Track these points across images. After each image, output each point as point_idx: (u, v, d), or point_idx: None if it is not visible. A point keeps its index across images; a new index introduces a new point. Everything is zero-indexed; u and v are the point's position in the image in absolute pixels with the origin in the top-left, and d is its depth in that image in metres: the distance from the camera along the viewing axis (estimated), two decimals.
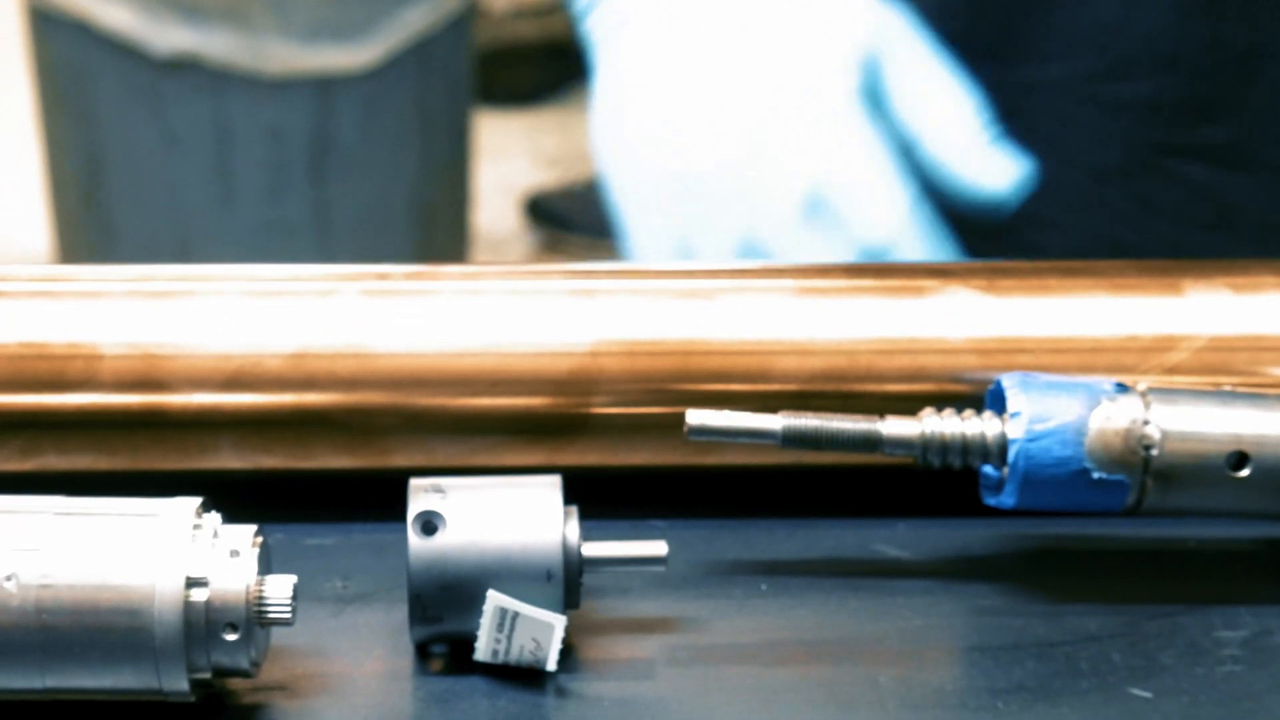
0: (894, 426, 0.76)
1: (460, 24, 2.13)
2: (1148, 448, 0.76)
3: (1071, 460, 0.76)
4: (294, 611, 0.69)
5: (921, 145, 0.95)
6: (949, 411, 0.77)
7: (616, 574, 0.75)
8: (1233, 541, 0.83)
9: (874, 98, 0.97)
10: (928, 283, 0.83)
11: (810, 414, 0.76)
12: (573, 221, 3.17)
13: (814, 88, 0.95)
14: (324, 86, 2.02)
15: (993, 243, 1.09)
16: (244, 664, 0.69)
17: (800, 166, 0.94)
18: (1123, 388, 0.77)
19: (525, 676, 0.73)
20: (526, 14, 3.51)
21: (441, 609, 0.72)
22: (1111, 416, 0.76)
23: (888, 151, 0.94)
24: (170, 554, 0.68)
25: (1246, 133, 1.05)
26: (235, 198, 2.05)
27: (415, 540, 0.72)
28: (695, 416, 0.76)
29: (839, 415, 0.76)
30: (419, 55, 2.07)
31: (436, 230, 2.20)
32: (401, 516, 0.72)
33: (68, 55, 2.03)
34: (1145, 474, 0.76)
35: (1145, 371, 0.82)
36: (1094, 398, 0.76)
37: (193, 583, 0.68)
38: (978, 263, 0.85)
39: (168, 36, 1.97)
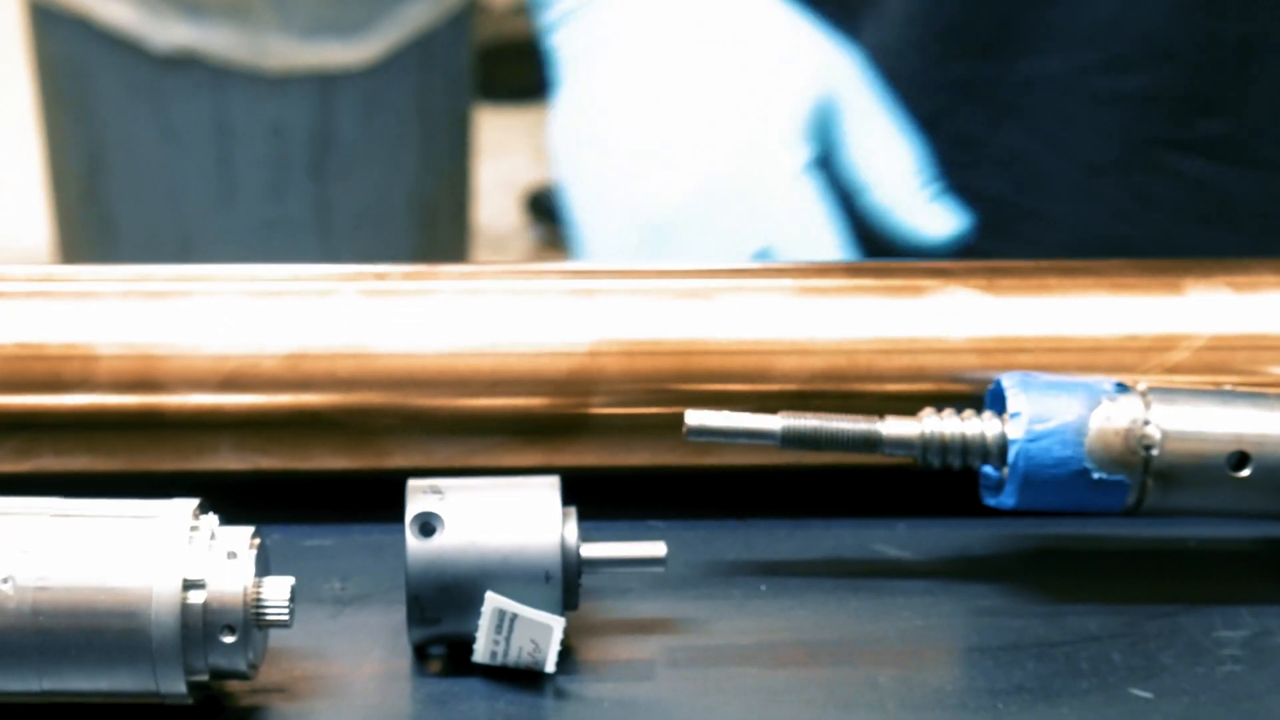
0: (893, 427, 0.76)
1: (461, 20, 2.12)
2: (1148, 448, 0.76)
3: (1071, 460, 0.75)
4: (292, 613, 0.69)
5: (868, 193, 0.99)
6: (949, 412, 0.77)
7: (615, 575, 0.75)
8: (1233, 541, 0.83)
9: (826, 143, 0.99)
10: (927, 282, 0.83)
11: (810, 414, 0.76)
12: None
13: (764, 140, 0.97)
14: (324, 83, 2.02)
15: (989, 238, 1.10)
16: (242, 666, 0.69)
17: (748, 219, 0.96)
18: (1123, 388, 0.77)
19: (524, 678, 0.72)
20: (527, 10, 3.50)
21: (440, 610, 0.72)
22: (1111, 416, 0.76)
23: (830, 210, 0.97)
24: (167, 556, 0.68)
25: (1243, 127, 1.05)
26: (236, 194, 2.04)
27: (413, 542, 0.72)
28: (694, 417, 0.75)
29: (838, 415, 0.76)
30: (420, 52, 2.07)
31: (437, 227, 2.19)
32: (400, 517, 0.72)
33: (68, 51, 2.03)
34: (1145, 474, 0.76)
35: (1145, 371, 0.82)
36: (1094, 398, 0.76)
37: (190, 585, 0.68)
38: (977, 262, 0.85)
39: (168, 32, 1.97)
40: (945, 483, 0.80)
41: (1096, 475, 0.75)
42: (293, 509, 0.82)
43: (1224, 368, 0.82)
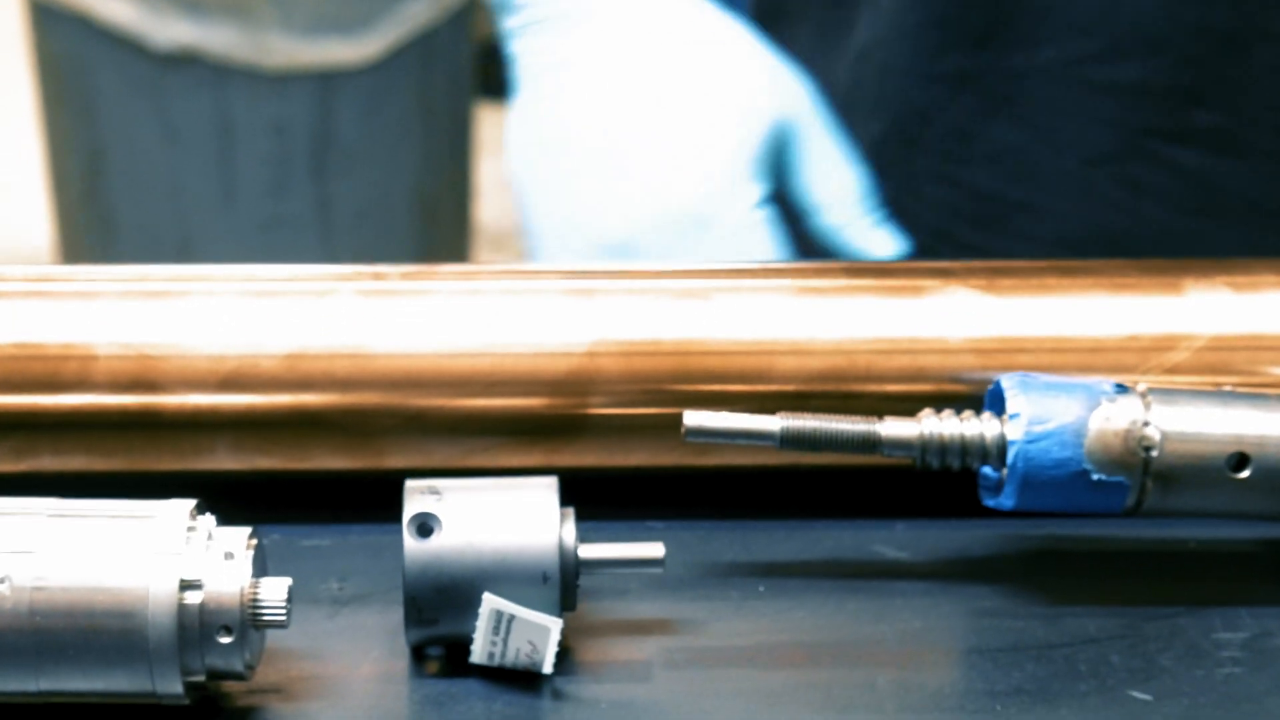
0: (892, 428, 0.76)
1: (462, 17, 2.12)
2: (1147, 449, 0.75)
3: (1071, 461, 0.75)
4: (289, 614, 0.69)
5: (818, 215, 1.02)
6: (948, 412, 0.77)
7: (613, 576, 0.75)
8: (1233, 543, 0.83)
9: (779, 168, 1.02)
10: (927, 282, 0.83)
11: (808, 415, 0.76)
12: None
13: (719, 171, 0.99)
14: (326, 81, 2.02)
15: (982, 231, 1.09)
16: (238, 666, 0.69)
17: (698, 250, 0.98)
18: (1122, 388, 0.76)
19: (521, 679, 0.72)
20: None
21: (437, 611, 0.72)
22: (1111, 417, 0.75)
23: (781, 245, 1.00)
24: (164, 556, 0.68)
25: (1237, 117, 1.05)
26: (236, 193, 2.04)
27: (411, 542, 0.72)
28: (693, 418, 0.75)
29: (837, 416, 0.76)
30: (421, 49, 2.07)
31: (438, 225, 2.19)
32: (398, 517, 0.72)
33: (68, 50, 2.03)
34: (1145, 475, 0.76)
35: (1145, 371, 0.82)
36: (1093, 398, 0.76)
37: (187, 585, 0.68)
38: (977, 262, 0.85)
39: (169, 30, 1.97)
40: (944, 484, 0.80)
41: (1096, 476, 0.75)
42: (290, 509, 0.81)
43: (1224, 368, 0.82)
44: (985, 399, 0.79)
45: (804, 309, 0.82)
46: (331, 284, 0.82)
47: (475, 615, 0.71)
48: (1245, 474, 0.76)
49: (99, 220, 2.09)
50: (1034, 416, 0.75)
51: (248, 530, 0.70)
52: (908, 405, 0.78)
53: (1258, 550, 0.83)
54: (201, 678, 0.69)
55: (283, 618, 0.69)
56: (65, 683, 0.68)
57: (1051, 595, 0.79)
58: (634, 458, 0.82)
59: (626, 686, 0.73)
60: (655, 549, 0.74)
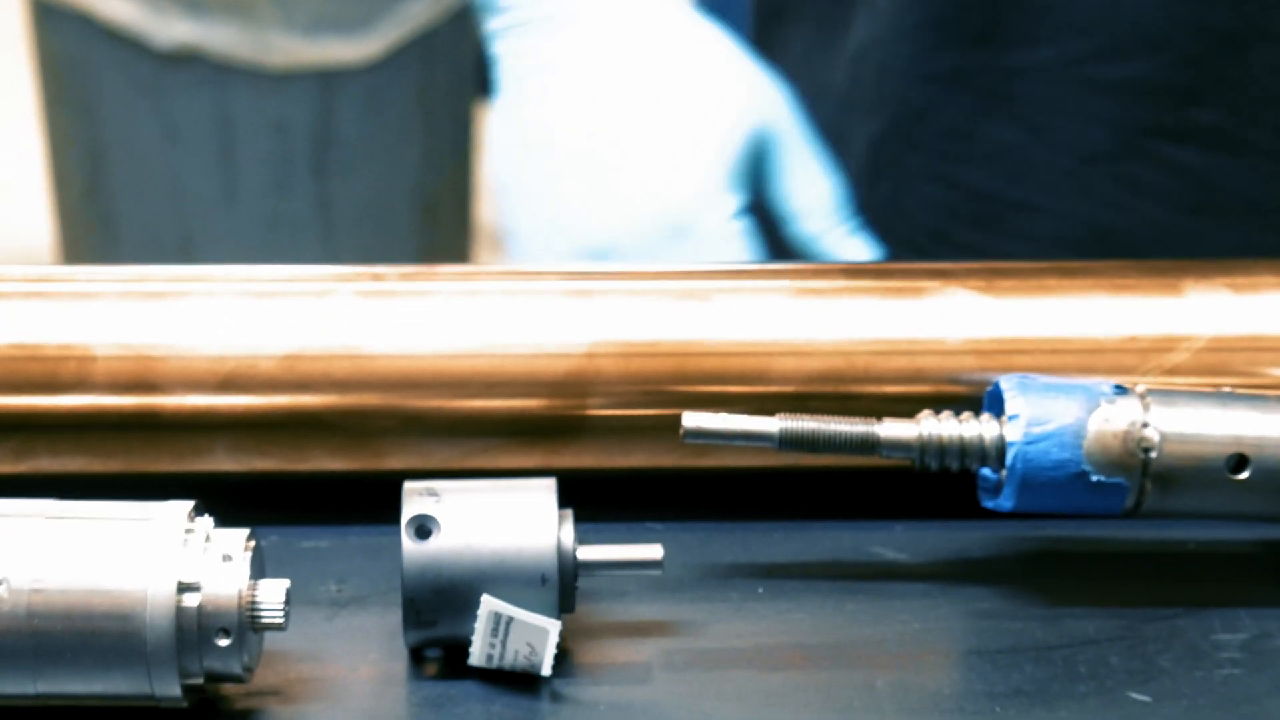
0: (891, 429, 0.76)
1: (463, 16, 2.12)
2: (1146, 450, 0.75)
3: (1070, 463, 0.75)
4: (287, 616, 0.69)
5: (794, 222, 1.04)
6: (947, 414, 0.77)
7: (612, 578, 0.75)
8: (1232, 544, 0.83)
9: (757, 177, 1.03)
10: (926, 283, 0.83)
11: (807, 416, 0.76)
12: None
13: (697, 181, 1.01)
14: (327, 80, 2.01)
15: (979, 230, 1.09)
16: (237, 669, 0.69)
17: (674, 252, 0.99)
18: (1121, 389, 0.76)
19: (520, 681, 0.72)
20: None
21: (436, 613, 0.72)
22: (1110, 419, 0.75)
23: (757, 255, 1.01)
24: (162, 559, 0.68)
25: (1235, 116, 1.05)
26: (238, 191, 2.04)
27: (409, 544, 0.72)
28: (691, 419, 0.75)
29: (836, 418, 0.76)
30: (422, 48, 2.07)
31: (439, 224, 2.19)
32: (396, 519, 0.72)
33: (69, 48, 2.03)
34: (1144, 476, 0.76)
35: (1145, 372, 0.82)
36: (1092, 400, 0.76)
37: (185, 587, 0.68)
38: (976, 263, 0.85)
39: (170, 29, 1.97)
40: (943, 485, 0.80)
41: (1095, 478, 0.75)
42: (289, 510, 0.81)
43: (1223, 369, 0.82)
44: (984, 400, 0.79)
45: (803, 310, 0.82)
46: (330, 285, 0.82)
47: (474, 617, 0.71)
48: (1244, 475, 0.76)
49: (100, 219, 2.09)
50: (1033, 418, 0.75)
51: (246, 532, 0.70)
52: (906, 406, 0.78)
53: (1257, 551, 0.82)
54: (200, 680, 0.69)
55: (281, 620, 0.69)
56: (63, 685, 0.68)
57: (1050, 597, 0.79)
58: (633, 459, 0.82)
59: (625, 688, 0.73)
60: (654, 551, 0.74)
